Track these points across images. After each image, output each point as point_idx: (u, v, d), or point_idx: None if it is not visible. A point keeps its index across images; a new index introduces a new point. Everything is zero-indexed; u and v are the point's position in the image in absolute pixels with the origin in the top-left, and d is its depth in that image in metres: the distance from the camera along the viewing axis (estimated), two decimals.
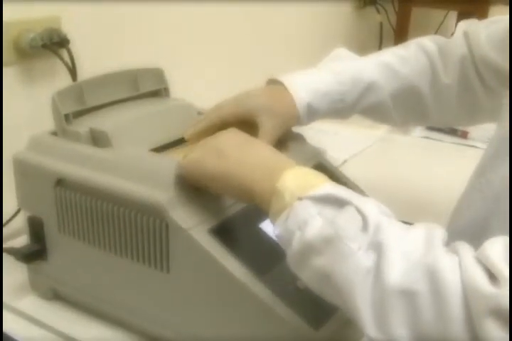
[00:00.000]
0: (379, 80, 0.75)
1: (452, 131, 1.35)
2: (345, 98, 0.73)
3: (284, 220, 0.47)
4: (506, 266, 0.38)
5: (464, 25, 0.78)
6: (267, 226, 0.58)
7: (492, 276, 0.39)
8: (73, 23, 0.87)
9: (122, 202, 0.58)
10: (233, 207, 0.59)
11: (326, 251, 0.44)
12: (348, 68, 0.75)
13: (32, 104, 0.86)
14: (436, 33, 2.12)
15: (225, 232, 0.56)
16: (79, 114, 0.65)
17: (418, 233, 0.44)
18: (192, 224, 0.55)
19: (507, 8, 1.78)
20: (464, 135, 1.34)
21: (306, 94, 0.70)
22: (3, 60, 0.80)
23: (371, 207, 0.46)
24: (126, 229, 0.59)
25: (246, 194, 0.51)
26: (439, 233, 0.45)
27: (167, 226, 0.55)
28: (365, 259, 0.43)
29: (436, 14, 2.10)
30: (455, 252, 0.42)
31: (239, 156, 0.52)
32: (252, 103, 0.68)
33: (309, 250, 0.46)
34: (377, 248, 0.43)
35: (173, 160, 0.57)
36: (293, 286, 0.55)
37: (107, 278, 0.64)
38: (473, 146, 1.28)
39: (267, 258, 0.56)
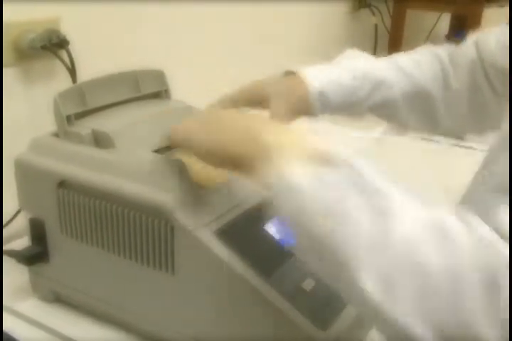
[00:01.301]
0: (391, 79, 0.75)
1: None
2: (358, 92, 0.73)
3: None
4: None
5: (475, 35, 0.78)
6: (272, 228, 0.59)
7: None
8: (73, 24, 0.86)
9: (126, 203, 0.58)
10: (238, 209, 0.58)
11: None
12: (360, 66, 0.75)
13: (31, 105, 0.86)
14: (429, 34, 2.13)
15: (230, 234, 0.56)
16: (80, 115, 0.65)
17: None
18: (197, 226, 0.55)
19: (500, 11, 1.80)
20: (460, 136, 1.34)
21: (319, 84, 0.71)
22: (3, 61, 0.80)
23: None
24: (130, 230, 0.59)
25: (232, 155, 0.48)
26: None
27: (172, 227, 0.55)
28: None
29: (430, 16, 2.11)
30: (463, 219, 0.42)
31: (226, 124, 0.51)
32: (267, 89, 0.69)
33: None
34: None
35: (177, 161, 0.57)
36: (298, 287, 0.55)
37: (109, 281, 0.64)
38: (470, 147, 1.29)
39: (271, 260, 0.56)
